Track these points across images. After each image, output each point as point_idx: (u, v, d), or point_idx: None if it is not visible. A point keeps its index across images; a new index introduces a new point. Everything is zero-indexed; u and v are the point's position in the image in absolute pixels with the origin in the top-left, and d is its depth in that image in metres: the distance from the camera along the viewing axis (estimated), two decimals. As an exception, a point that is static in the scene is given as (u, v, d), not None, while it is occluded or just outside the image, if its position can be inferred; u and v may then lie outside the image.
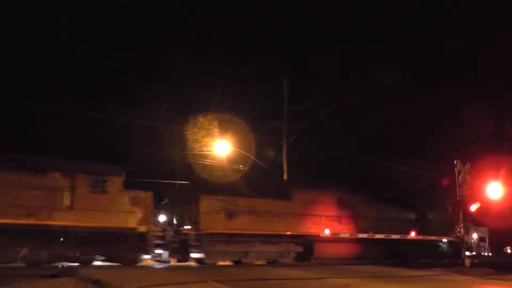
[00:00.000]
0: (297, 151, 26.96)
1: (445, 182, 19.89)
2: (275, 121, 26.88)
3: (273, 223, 19.10)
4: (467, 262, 16.40)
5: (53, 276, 11.27)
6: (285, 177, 25.78)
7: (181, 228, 18.76)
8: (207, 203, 18.15)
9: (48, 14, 35.29)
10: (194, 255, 17.81)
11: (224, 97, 26.84)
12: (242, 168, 25.29)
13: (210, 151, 25.81)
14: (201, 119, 25.45)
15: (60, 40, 35.09)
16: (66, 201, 15.50)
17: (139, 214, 16.47)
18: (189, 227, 18.58)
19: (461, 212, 17.06)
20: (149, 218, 17.09)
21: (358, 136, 32.20)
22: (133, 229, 16.28)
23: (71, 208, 15.48)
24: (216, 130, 25.68)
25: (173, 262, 17.71)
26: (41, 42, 33.24)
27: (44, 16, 35.89)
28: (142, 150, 26.01)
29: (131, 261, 15.97)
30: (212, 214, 18.01)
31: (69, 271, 12.14)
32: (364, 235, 19.51)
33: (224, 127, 25.82)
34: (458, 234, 16.98)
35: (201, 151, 25.67)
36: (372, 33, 40.24)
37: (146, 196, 16.92)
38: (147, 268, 15.48)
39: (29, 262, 14.54)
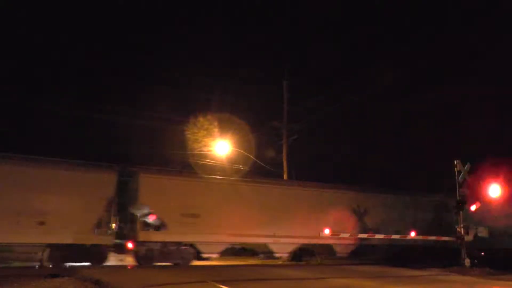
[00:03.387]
0: (297, 151, 26.95)
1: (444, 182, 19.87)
2: (275, 121, 26.88)
3: None
4: (467, 262, 16.38)
5: (53, 276, 11.27)
6: (285, 177, 25.75)
7: None
8: None
9: (47, 14, 35.27)
10: None
11: (224, 97, 26.79)
12: (242, 168, 25.26)
13: (210, 151, 25.79)
14: (201, 119, 25.44)
15: (60, 40, 34.97)
16: None
17: None
18: None
19: (461, 212, 17.05)
20: None
21: (358, 136, 32.13)
22: None
23: None
24: (216, 130, 25.67)
25: None
26: (40, 42, 33.16)
27: (44, 16, 35.89)
28: (142, 150, 25.96)
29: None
30: None
31: (69, 271, 12.15)
32: (364, 235, 19.42)
33: (224, 127, 25.81)
34: (458, 234, 16.96)
35: (201, 151, 25.65)
36: (372, 33, 40.16)
37: None
38: (147, 268, 15.49)
39: None
